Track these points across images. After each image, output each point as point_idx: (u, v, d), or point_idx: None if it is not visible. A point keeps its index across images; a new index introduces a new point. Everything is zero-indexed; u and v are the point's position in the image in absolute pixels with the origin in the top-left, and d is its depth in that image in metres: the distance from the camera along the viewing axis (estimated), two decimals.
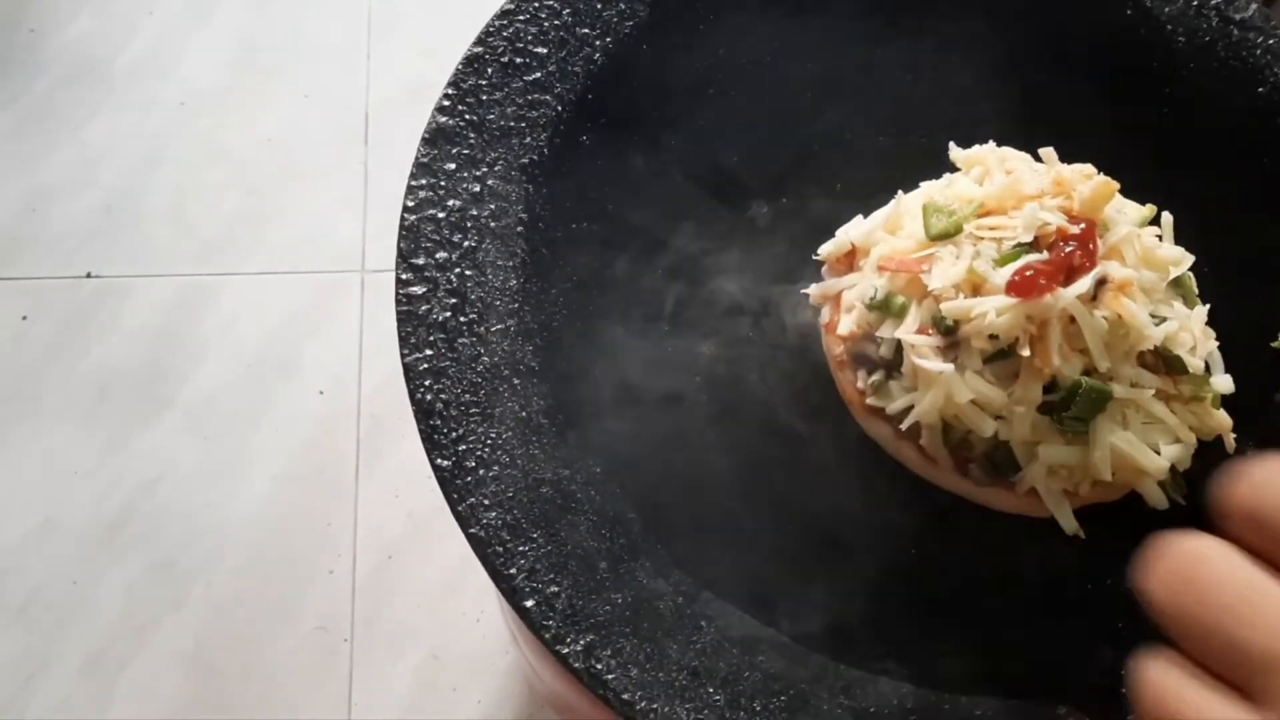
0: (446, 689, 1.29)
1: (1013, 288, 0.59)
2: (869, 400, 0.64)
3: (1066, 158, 0.67)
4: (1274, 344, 0.68)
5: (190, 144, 1.58)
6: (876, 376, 0.64)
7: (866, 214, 0.69)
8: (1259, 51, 0.75)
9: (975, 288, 0.61)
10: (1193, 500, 0.62)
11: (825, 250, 0.69)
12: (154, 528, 1.36)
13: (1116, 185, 0.62)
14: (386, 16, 1.68)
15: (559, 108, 0.71)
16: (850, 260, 0.68)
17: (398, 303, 0.64)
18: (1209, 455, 0.64)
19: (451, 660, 1.30)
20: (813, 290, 0.68)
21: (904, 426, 0.62)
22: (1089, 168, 0.64)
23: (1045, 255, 0.60)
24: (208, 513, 1.37)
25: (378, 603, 1.32)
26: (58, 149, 1.56)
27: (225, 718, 1.27)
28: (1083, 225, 0.61)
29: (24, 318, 1.44)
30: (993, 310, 0.59)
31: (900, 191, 0.68)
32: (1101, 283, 0.59)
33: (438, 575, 1.34)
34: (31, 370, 1.42)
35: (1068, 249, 0.60)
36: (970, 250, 0.62)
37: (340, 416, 1.41)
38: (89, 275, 1.47)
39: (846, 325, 0.65)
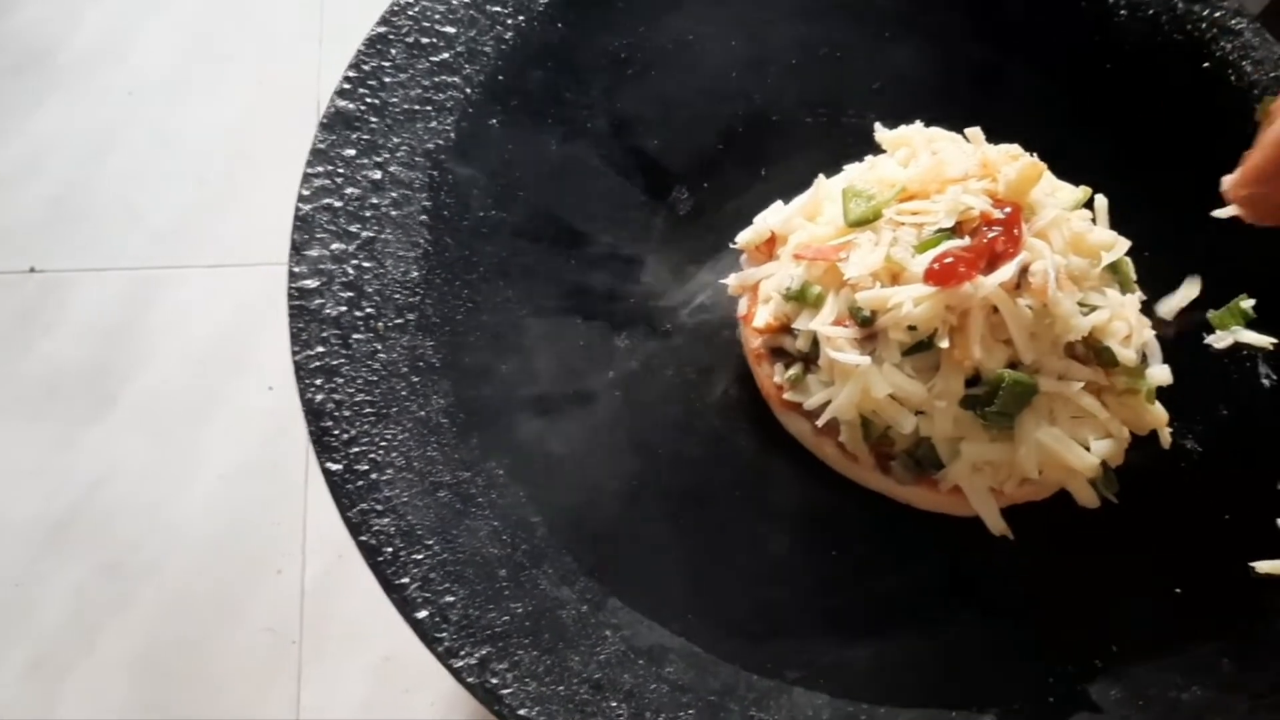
0: (399, 691, 1.26)
1: (931, 276, 0.56)
2: (786, 395, 0.61)
3: (1003, 137, 0.63)
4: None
5: (139, 134, 1.54)
6: (794, 370, 0.61)
7: (789, 199, 0.66)
8: (1204, 25, 0.72)
9: (894, 276, 0.58)
10: (1126, 499, 0.59)
11: (743, 238, 0.65)
12: (100, 528, 1.32)
13: (1043, 166, 0.59)
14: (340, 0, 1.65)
15: (468, 90, 0.68)
16: (770, 248, 0.65)
17: (289, 297, 0.61)
18: (1144, 451, 0.60)
19: (404, 662, 1.27)
20: (731, 280, 0.65)
21: (820, 422, 0.59)
22: (1015, 148, 0.61)
23: (967, 241, 0.57)
24: (155, 512, 1.33)
25: (328, 604, 1.29)
26: (2, 140, 1.52)
27: None
28: (1008, 209, 0.58)
29: None
30: (910, 300, 0.55)
31: (822, 175, 0.65)
32: (1025, 270, 0.56)
33: None
34: None
35: (991, 234, 0.57)
36: (889, 236, 0.58)
37: (290, 413, 1.37)
38: (32, 270, 1.43)
39: (763, 317, 0.62)
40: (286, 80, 1.59)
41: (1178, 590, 0.60)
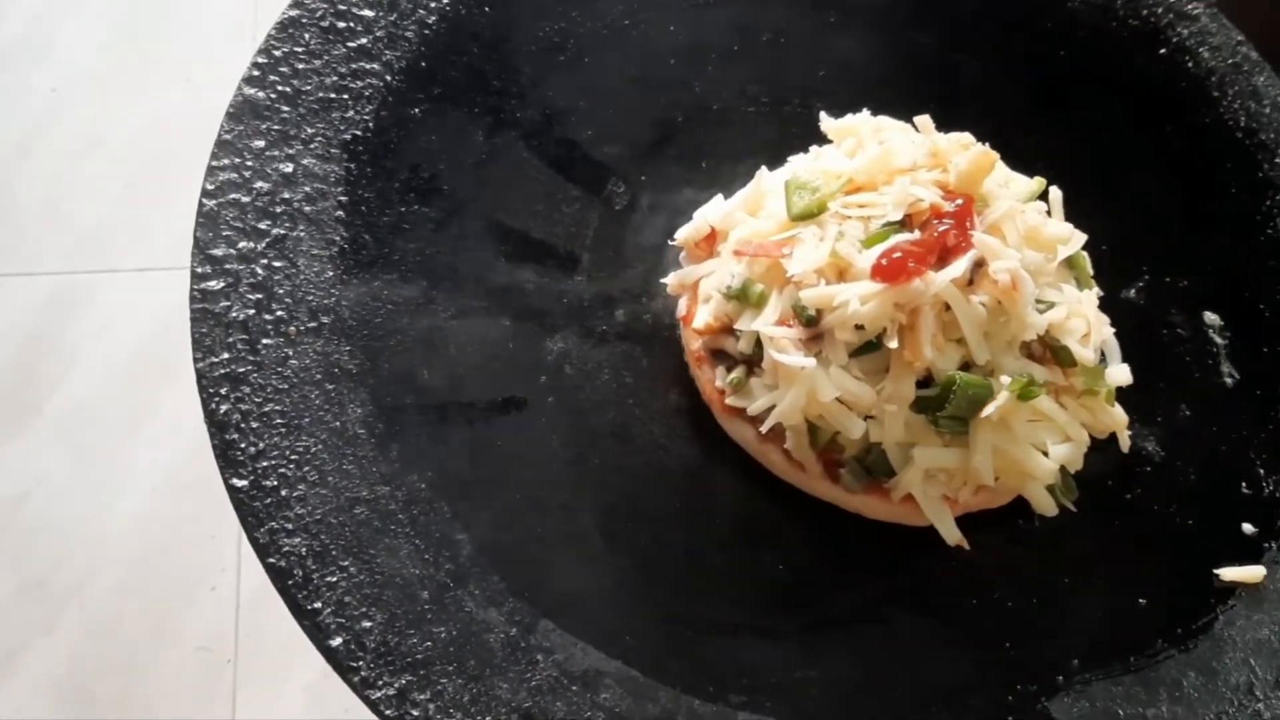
0: (339, 709, 1.21)
1: (879, 272, 0.52)
2: (729, 400, 0.57)
3: (953, 126, 0.60)
4: None
5: (64, 133, 1.48)
6: (736, 373, 0.57)
7: (731, 193, 0.62)
8: (1160, 9, 0.69)
9: (840, 273, 0.54)
10: (1085, 506, 0.56)
11: (682, 234, 0.62)
12: (22, 545, 1.27)
13: (995, 156, 0.56)
14: None
15: (388, 77, 0.64)
16: (710, 245, 0.61)
17: (191, 300, 0.57)
18: (1102, 455, 0.57)
19: None
20: (670, 279, 0.61)
21: (765, 428, 0.55)
22: (967, 137, 0.58)
23: (917, 235, 0.54)
24: (81, 527, 1.28)
25: (264, 620, 1.24)
26: None
27: None
28: (959, 201, 0.54)
29: None
30: (856, 297, 0.52)
31: (764, 167, 0.61)
32: (979, 265, 0.53)
33: None
34: None
35: (941, 228, 0.53)
36: (835, 231, 0.55)
37: None
38: None
39: (703, 317, 0.58)
40: (218, 77, 1.53)
41: (1141, 601, 0.57)
